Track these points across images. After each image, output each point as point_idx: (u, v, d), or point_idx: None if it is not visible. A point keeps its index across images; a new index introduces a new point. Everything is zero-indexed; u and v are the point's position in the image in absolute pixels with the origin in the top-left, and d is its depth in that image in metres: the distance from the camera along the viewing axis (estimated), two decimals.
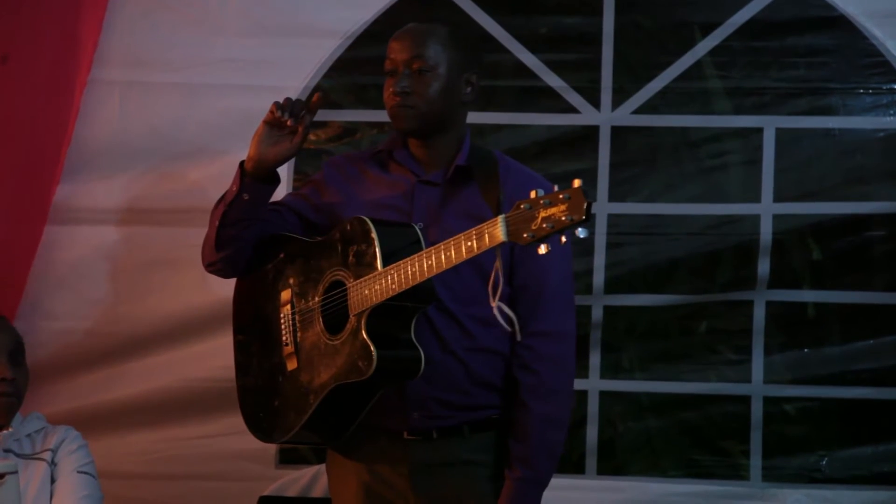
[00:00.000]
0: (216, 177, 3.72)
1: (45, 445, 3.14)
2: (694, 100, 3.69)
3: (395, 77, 2.86)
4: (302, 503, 3.54)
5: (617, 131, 3.70)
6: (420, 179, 2.89)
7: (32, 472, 3.08)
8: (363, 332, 2.70)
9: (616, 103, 3.69)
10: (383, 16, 3.71)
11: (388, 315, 2.72)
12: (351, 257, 2.78)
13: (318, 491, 3.55)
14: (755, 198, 3.66)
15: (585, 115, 3.70)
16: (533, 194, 2.46)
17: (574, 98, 3.69)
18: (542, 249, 2.45)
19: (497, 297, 2.60)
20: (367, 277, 2.72)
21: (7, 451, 3.10)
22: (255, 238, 2.93)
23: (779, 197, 3.65)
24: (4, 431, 3.11)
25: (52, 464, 3.11)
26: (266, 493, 3.54)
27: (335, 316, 2.80)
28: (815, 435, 3.69)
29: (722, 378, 3.71)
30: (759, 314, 3.67)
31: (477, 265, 2.74)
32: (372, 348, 2.68)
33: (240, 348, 3.02)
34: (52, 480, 3.10)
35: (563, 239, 2.45)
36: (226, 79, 3.72)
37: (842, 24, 3.64)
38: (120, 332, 3.75)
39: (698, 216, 3.67)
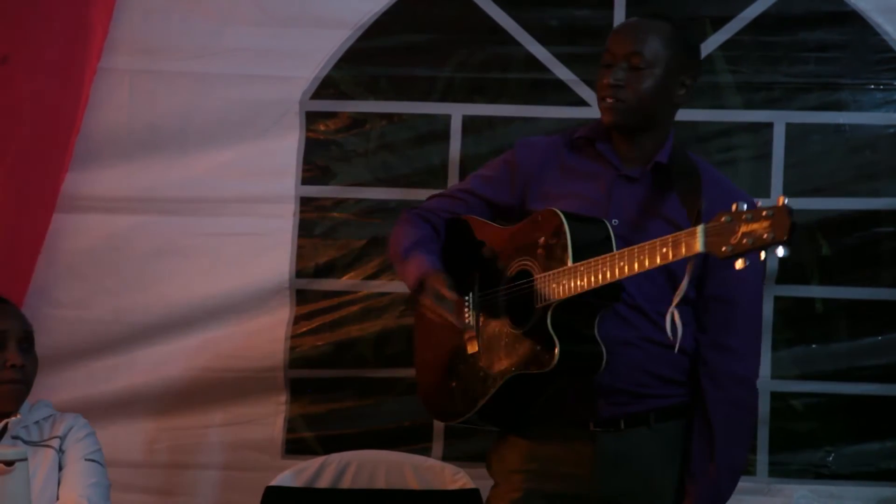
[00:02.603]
0: (225, 166, 3.74)
1: (53, 433, 3.13)
2: (704, 94, 3.67)
3: (612, 69, 2.84)
4: (308, 493, 3.54)
5: None
6: (620, 174, 2.86)
7: (40, 460, 3.07)
8: (548, 324, 2.70)
9: None
10: (394, 6, 3.71)
11: (573, 310, 2.71)
12: (540, 249, 2.76)
13: (324, 482, 3.55)
14: (764, 193, 3.65)
15: (594, 109, 3.65)
16: (734, 207, 2.44)
17: (584, 91, 3.69)
18: (739, 264, 2.43)
19: (675, 304, 2.60)
20: (556, 271, 2.71)
21: (15, 438, 3.10)
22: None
23: (788, 192, 3.64)
24: (13, 418, 3.11)
25: (60, 451, 3.11)
26: (272, 483, 3.53)
27: (519, 305, 2.79)
28: (822, 430, 3.68)
29: None
30: (767, 309, 3.66)
31: (665, 267, 2.71)
32: (556, 342, 2.68)
33: (421, 325, 3.03)
34: (60, 468, 3.09)
35: (763, 255, 2.41)
36: (236, 68, 3.72)
37: (853, 19, 3.64)
38: (128, 321, 3.75)
39: None
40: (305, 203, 3.74)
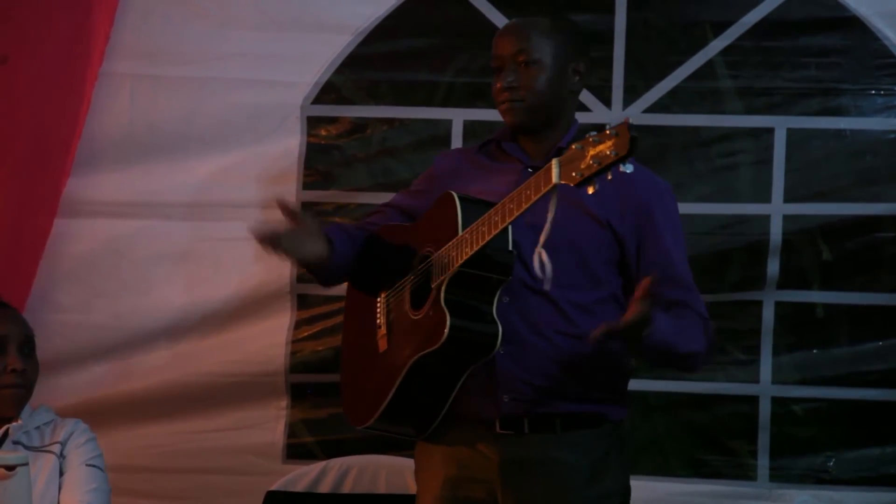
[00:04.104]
0: (226, 171, 3.75)
1: (54, 438, 3.13)
2: (705, 99, 3.68)
3: (502, 72, 2.86)
4: (309, 498, 3.54)
5: None
6: (527, 166, 2.87)
7: (41, 465, 3.07)
8: (441, 299, 2.70)
9: (627, 102, 3.69)
10: (395, 11, 3.71)
11: (469, 286, 2.70)
12: (437, 230, 2.78)
13: (325, 486, 3.55)
14: (765, 198, 3.65)
15: (597, 114, 3.69)
16: (587, 136, 2.43)
17: (585, 96, 3.67)
18: (590, 189, 2.42)
19: (541, 244, 2.57)
20: (447, 246, 2.72)
21: (16, 443, 3.10)
22: (351, 253, 2.93)
23: (789, 197, 3.65)
24: (14, 423, 3.10)
25: (61, 456, 3.11)
26: (273, 488, 3.53)
27: (421, 290, 2.79)
28: (823, 436, 3.68)
29: (730, 378, 3.70)
30: (768, 314, 3.67)
31: (577, 252, 2.75)
32: (446, 315, 2.66)
33: (344, 339, 3.05)
34: (61, 473, 3.09)
35: (610, 176, 2.40)
36: (237, 73, 3.72)
37: (854, 24, 3.64)
38: (129, 326, 3.75)
39: (708, 216, 3.66)
40: (307, 208, 3.73)
